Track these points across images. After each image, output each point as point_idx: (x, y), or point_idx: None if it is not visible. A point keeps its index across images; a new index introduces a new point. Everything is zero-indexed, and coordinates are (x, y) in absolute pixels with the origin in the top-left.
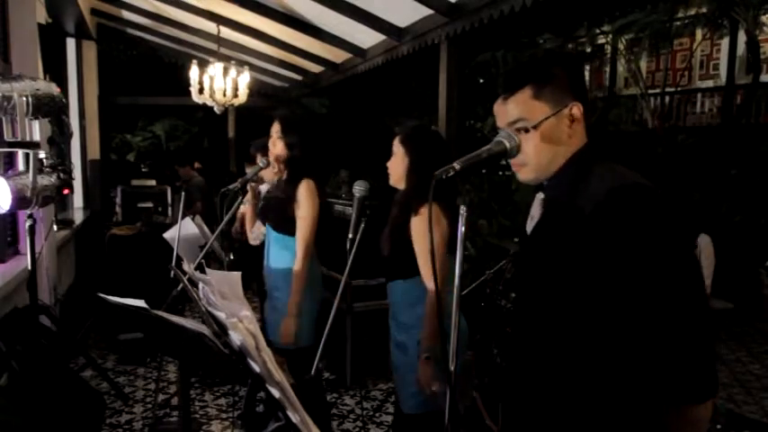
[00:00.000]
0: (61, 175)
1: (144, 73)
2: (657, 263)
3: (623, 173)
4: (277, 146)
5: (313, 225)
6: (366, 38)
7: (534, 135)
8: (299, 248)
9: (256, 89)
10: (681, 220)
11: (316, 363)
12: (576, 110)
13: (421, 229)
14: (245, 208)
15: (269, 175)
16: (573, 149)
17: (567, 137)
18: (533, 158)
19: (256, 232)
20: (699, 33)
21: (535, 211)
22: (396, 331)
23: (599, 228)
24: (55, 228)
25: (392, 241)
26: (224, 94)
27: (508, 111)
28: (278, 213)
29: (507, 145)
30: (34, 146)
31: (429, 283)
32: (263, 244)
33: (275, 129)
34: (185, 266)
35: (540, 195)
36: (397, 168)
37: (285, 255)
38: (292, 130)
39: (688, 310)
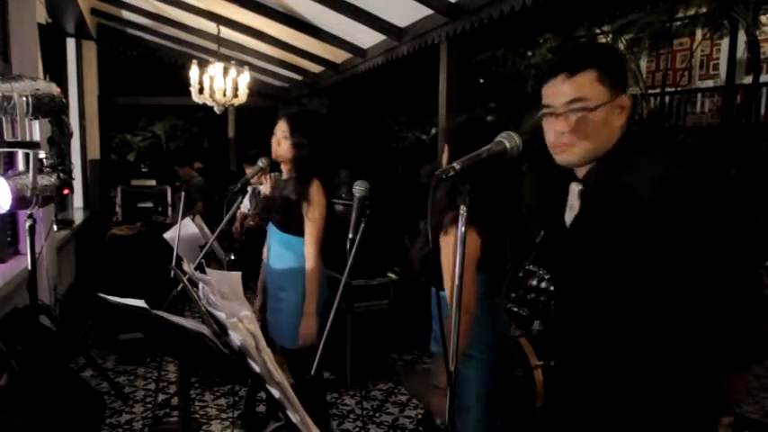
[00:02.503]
0: (61, 175)
1: (144, 73)
2: (721, 239)
3: (664, 161)
4: (282, 145)
5: (323, 225)
6: (366, 38)
7: (591, 117)
8: (311, 248)
9: (256, 89)
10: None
11: (316, 363)
12: (627, 101)
13: (448, 249)
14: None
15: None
16: (616, 138)
17: (616, 126)
18: (584, 141)
19: None
20: (699, 33)
21: (574, 201)
22: (434, 344)
23: (669, 210)
24: (55, 228)
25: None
26: (224, 94)
27: (567, 89)
28: (285, 213)
29: (507, 145)
30: (34, 146)
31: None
32: (262, 244)
33: (282, 128)
34: (185, 266)
35: (576, 186)
36: None
37: (290, 255)
38: (301, 130)
39: (738, 280)
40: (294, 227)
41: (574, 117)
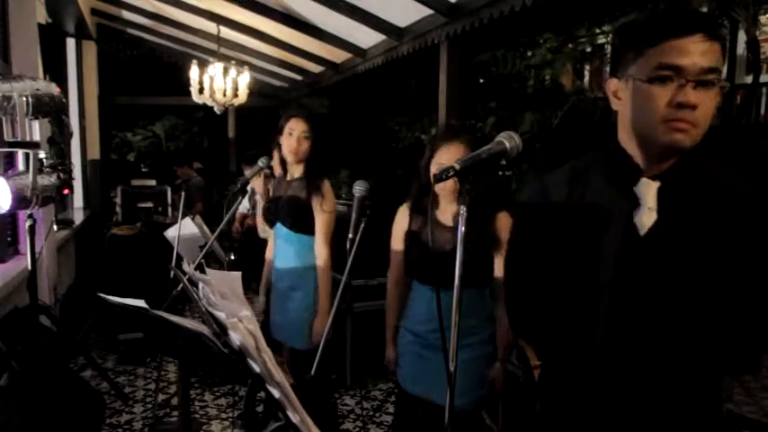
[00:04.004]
0: (61, 175)
1: (144, 73)
2: None
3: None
4: (303, 145)
5: (334, 221)
6: (366, 38)
7: (715, 96)
8: (323, 246)
9: (256, 89)
10: None
11: (316, 363)
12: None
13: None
14: (259, 204)
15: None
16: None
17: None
18: (704, 123)
19: None
20: None
21: (651, 201)
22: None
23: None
24: (55, 228)
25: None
26: (224, 94)
27: (708, 54)
28: (295, 213)
29: (507, 145)
30: (34, 146)
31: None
32: (263, 244)
33: (301, 128)
34: (185, 266)
35: (654, 183)
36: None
37: (301, 254)
38: (319, 130)
39: None
40: (305, 226)
41: (705, 91)
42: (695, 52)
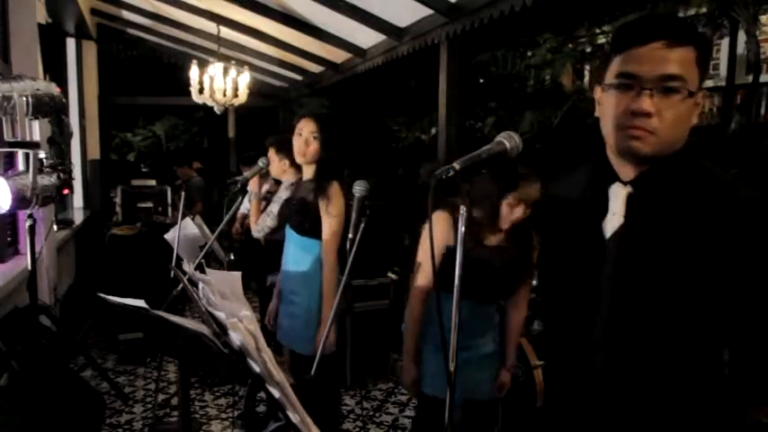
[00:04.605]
0: (61, 175)
1: (144, 73)
2: None
3: (732, 178)
4: (312, 146)
5: (341, 226)
6: (366, 38)
7: (682, 104)
8: (329, 252)
9: (256, 89)
10: None
11: (315, 363)
12: (702, 99)
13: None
14: (253, 203)
15: (277, 170)
16: (684, 140)
17: (691, 124)
18: (666, 130)
19: (261, 225)
20: None
21: (618, 207)
22: (466, 341)
23: (748, 234)
24: (55, 228)
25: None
26: (224, 94)
27: (668, 61)
28: (302, 215)
29: (507, 145)
30: (34, 146)
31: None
32: (264, 245)
33: (309, 128)
34: (185, 266)
35: (623, 189)
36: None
37: (307, 258)
38: (329, 130)
39: None
40: (311, 229)
41: (666, 98)
42: (654, 59)
